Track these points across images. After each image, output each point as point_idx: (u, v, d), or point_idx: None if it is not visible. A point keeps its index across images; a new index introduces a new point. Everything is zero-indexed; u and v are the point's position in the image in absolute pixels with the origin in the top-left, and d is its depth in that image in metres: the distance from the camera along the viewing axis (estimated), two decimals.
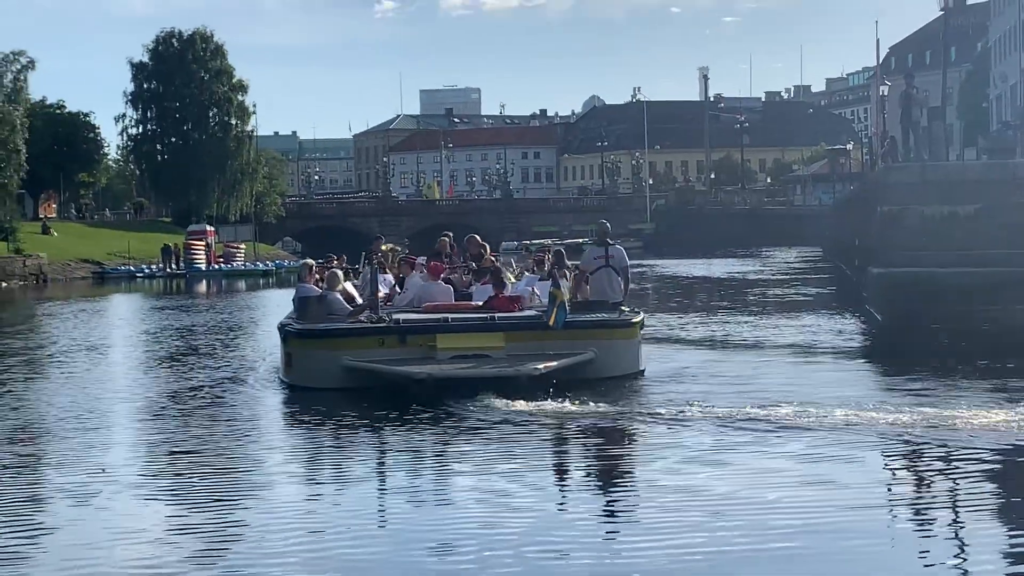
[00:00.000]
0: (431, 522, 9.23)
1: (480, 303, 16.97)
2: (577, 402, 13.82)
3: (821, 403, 13.55)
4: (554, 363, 14.84)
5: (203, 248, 68.51)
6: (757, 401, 13.83)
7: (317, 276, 17.77)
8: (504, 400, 13.81)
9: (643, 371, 16.53)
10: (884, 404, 13.57)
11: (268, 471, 11.31)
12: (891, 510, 9.56)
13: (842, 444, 11.53)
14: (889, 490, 10.21)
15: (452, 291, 17.68)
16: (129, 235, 74.21)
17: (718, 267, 58.07)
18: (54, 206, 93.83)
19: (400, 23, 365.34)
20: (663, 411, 13.37)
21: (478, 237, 19.81)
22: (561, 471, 11.30)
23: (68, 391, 17.16)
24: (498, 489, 10.13)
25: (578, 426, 12.86)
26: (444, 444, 12.21)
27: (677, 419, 12.96)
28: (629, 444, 12.29)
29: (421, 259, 19.41)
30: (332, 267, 18.45)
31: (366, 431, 13.16)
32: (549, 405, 13.73)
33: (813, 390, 15.06)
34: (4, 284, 54.70)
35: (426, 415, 13.47)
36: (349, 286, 17.23)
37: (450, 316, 16.11)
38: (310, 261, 18.33)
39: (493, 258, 19.15)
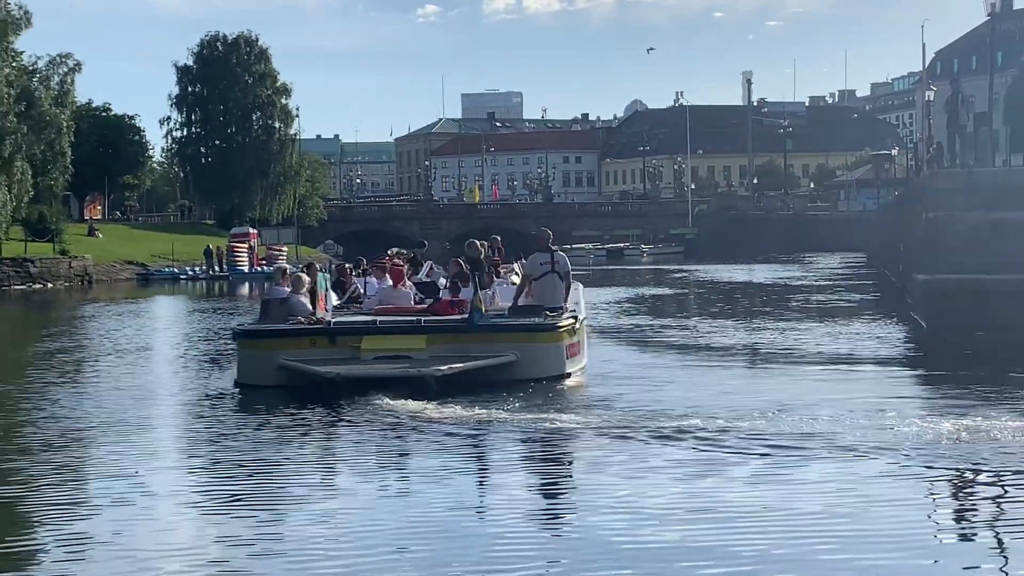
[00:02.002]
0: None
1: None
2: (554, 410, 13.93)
3: (857, 413, 13.27)
4: (459, 365, 15.45)
5: (246, 251, 68.77)
6: (788, 411, 13.63)
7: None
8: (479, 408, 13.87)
9: (569, 374, 16.73)
10: (926, 414, 13.32)
11: (303, 477, 11.26)
12: (931, 531, 9.23)
13: (879, 457, 11.19)
14: (932, 506, 9.93)
15: (411, 295, 18.49)
16: (173, 237, 74.71)
17: (760, 272, 57.74)
18: (100, 208, 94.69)
19: (442, 27, 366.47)
20: (667, 424, 12.99)
21: (478, 242, 20.42)
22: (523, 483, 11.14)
23: (106, 394, 17.15)
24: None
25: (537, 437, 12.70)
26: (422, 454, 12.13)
27: (683, 432, 12.47)
28: (618, 461, 11.48)
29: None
30: (369, 268, 19.01)
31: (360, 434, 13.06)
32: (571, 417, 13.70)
33: (851, 399, 14.74)
34: (50, 285, 55.17)
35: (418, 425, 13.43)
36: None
37: (379, 319, 16.94)
38: (284, 265, 19.54)
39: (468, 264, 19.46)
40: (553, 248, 17.81)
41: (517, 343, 16.27)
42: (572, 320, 17.25)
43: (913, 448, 11.51)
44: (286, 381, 15.87)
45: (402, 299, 18.21)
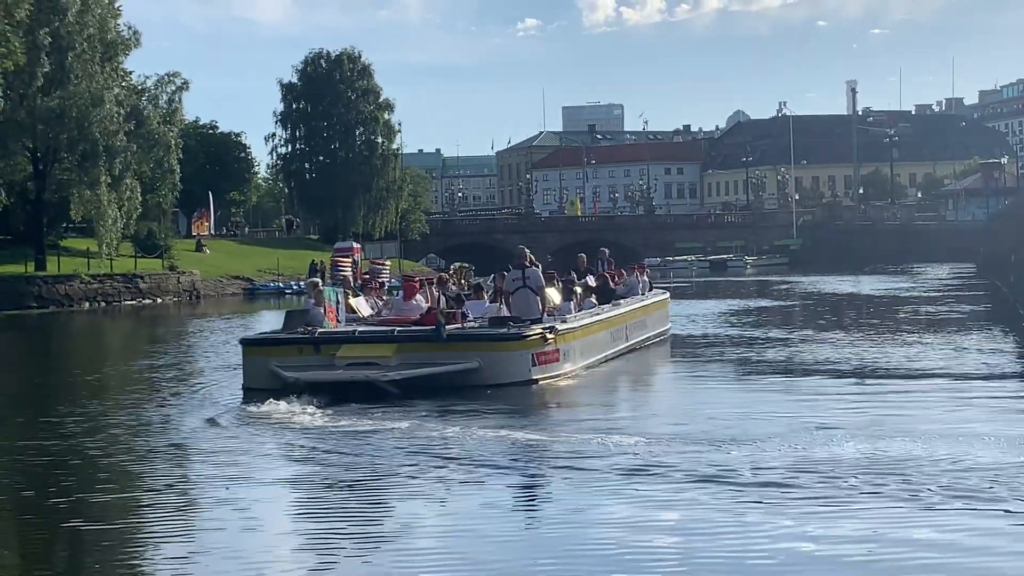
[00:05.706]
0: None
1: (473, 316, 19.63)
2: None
3: (966, 440, 12.33)
4: (412, 371, 16.88)
5: (349, 265, 69.16)
6: (892, 430, 13.18)
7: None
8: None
9: (536, 380, 17.79)
10: None
11: (401, 491, 11.22)
12: None
13: (985, 491, 10.07)
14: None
15: (420, 307, 19.72)
16: (278, 252, 75.69)
17: (866, 284, 56.75)
18: (207, 224, 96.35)
19: (543, 40, 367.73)
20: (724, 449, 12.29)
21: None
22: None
23: (199, 409, 17.09)
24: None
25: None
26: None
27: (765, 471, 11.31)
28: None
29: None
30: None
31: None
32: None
33: (958, 421, 13.99)
34: (159, 300, 56.24)
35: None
36: (361, 301, 20.57)
37: (358, 329, 18.59)
38: (316, 280, 21.03)
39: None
40: (526, 265, 19.44)
41: (480, 351, 17.56)
42: (543, 331, 18.26)
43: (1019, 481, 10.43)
44: (277, 384, 17.06)
45: (409, 311, 19.67)
